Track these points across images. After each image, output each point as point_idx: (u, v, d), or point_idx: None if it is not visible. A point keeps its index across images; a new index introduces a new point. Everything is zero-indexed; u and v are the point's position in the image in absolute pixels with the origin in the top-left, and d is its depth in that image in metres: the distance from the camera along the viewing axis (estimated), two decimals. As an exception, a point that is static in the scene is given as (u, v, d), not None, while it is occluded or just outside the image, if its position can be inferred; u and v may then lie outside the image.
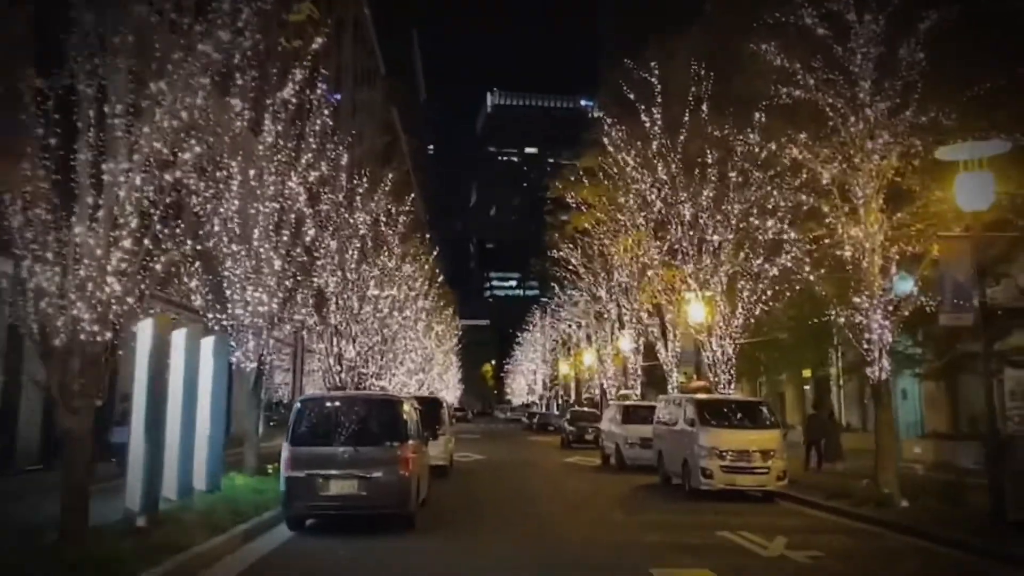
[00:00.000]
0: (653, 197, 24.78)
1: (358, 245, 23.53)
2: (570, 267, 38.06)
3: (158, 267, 8.76)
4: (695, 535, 11.31)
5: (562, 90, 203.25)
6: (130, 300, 8.66)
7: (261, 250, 14.43)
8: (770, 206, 17.23)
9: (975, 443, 23.38)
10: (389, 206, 27.14)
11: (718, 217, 21.51)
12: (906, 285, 15.00)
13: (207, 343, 12.96)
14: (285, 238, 14.89)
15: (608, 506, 14.89)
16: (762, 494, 15.81)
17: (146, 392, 10.09)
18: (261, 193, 14.40)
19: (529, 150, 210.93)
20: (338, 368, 23.46)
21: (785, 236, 16.04)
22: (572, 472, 22.53)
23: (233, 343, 14.36)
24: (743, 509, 14.37)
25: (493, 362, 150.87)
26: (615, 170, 27.79)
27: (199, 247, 13.21)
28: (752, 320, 22.42)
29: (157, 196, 9.05)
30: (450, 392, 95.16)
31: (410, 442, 11.12)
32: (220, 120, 11.76)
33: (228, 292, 14.27)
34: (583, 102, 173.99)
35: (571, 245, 36.60)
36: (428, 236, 41.90)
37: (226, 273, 14.13)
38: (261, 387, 14.73)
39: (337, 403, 11.53)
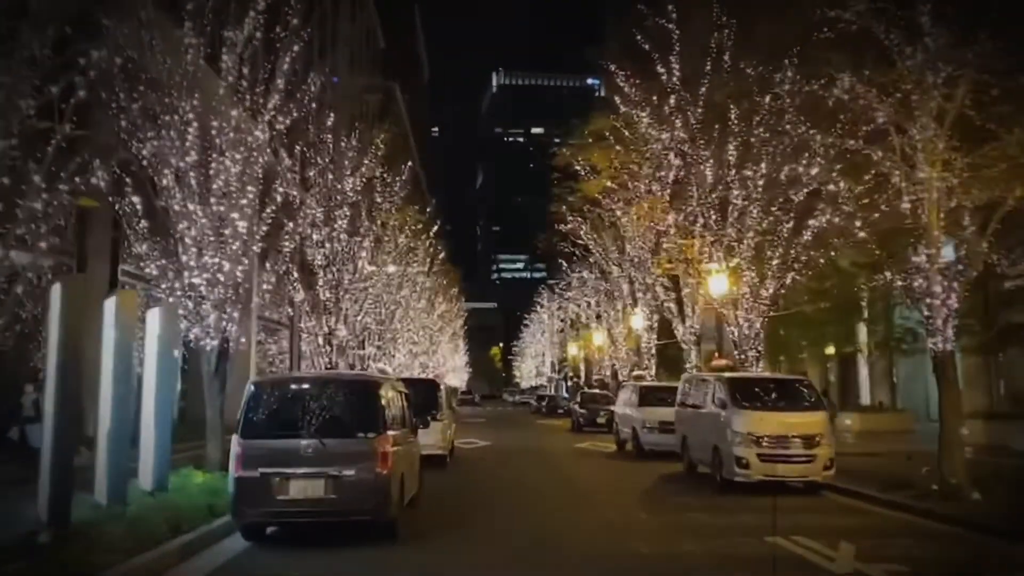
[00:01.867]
0: (671, 157, 22.58)
1: (347, 213, 21.51)
2: (579, 241, 35.90)
3: (37, 205, 6.65)
4: (740, 542, 9.25)
5: (568, 69, 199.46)
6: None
7: (222, 208, 12.35)
8: (804, 162, 15.06)
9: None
10: (384, 173, 25.08)
11: (747, 172, 19.22)
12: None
13: (152, 316, 10.95)
14: (251, 195, 12.78)
15: (630, 503, 12.84)
16: (804, 485, 13.74)
17: (55, 375, 8.06)
18: (222, 142, 12.30)
19: (536, 130, 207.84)
20: (328, 348, 21.54)
21: (831, 187, 13.83)
22: (585, 460, 20.51)
23: (191, 318, 12.32)
24: (789, 505, 12.25)
25: (501, 345, 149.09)
26: (627, 131, 25.60)
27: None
28: (783, 290, 20.30)
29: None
30: (457, 375, 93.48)
31: (390, 432, 9.04)
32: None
33: (184, 258, 12.21)
34: (589, 81, 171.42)
35: (580, 218, 34.42)
36: (429, 210, 39.71)
37: (179, 235, 12.07)
38: (224, 369, 12.67)
39: (300, 386, 9.42)
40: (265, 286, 13.19)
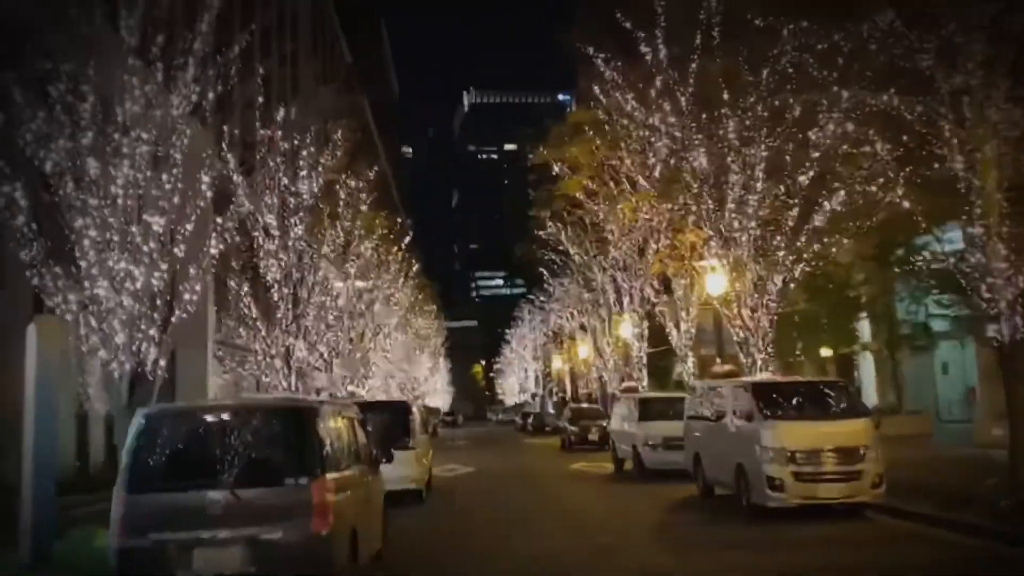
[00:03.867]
0: (659, 144, 20.41)
1: (304, 219, 19.18)
2: (560, 247, 33.69)
3: None
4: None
5: (539, 87, 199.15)
6: None
7: (129, 201, 10.01)
8: (826, 123, 12.95)
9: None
10: (347, 178, 22.81)
11: (749, 151, 17.10)
12: None
13: (30, 333, 8.59)
14: (168, 186, 10.43)
15: (648, 542, 10.51)
16: (849, 508, 11.47)
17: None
18: (125, 118, 9.98)
19: (508, 147, 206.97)
20: (286, 371, 19.14)
21: (865, 148, 11.73)
22: (582, 484, 18.18)
23: (96, 338, 9.94)
24: (842, 535, 10.08)
25: (483, 363, 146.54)
26: (608, 123, 23.51)
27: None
28: (791, 284, 18.22)
29: None
30: (439, 396, 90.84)
31: (333, 475, 6.69)
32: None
33: (83, 264, 9.85)
34: (560, 97, 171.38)
35: (560, 223, 32.22)
36: (400, 220, 37.35)
37: (76, 234, 9.72)
38: (139, 400, 10.26)
39: (208, 417, 6.95)
40: (188, 296, 10.74)
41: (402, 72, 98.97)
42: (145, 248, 10.14)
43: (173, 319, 10.62)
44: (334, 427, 7.29)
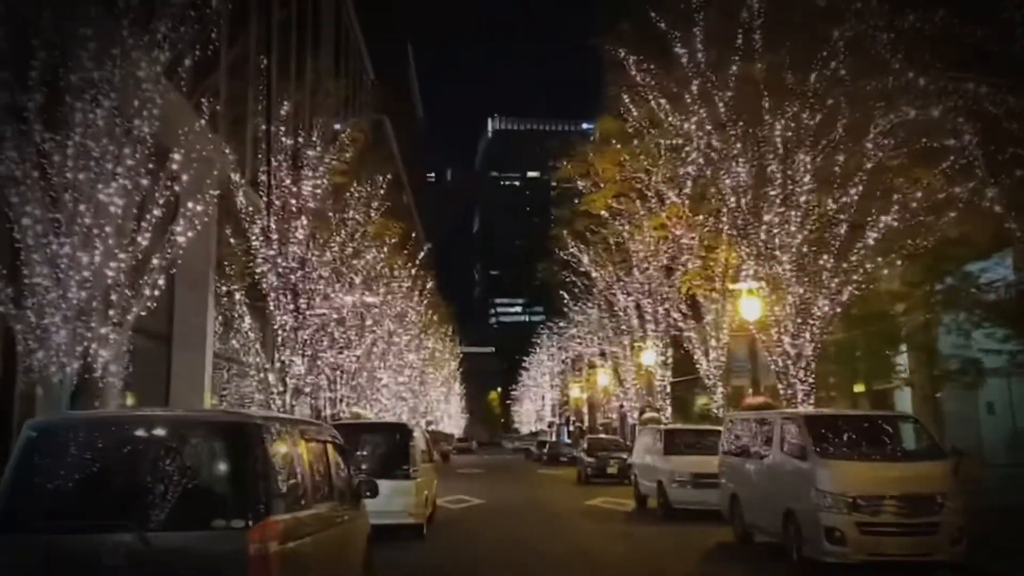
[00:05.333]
0: (694, 154, 18.80)
1: (305, 222, 17.72)
2: (581, 268, 32.01)
3: None
4: None
5: (563, 115, 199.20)
6: None
7: (80, 175, 8.51)
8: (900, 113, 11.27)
9: None
10: (359, 188, 21.35)
11: (801, 157, 15.47)
12: None
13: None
14: (131, 162, 8.93)
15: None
16: (921, 567, 9.63)
17: None
18: (76, 78, 8.51)
19: (531, 174, 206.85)
20: (280, 389, 17.58)
21: (949, 141, 10.05)
22: (602, 524, 16.35)
23: (33, 338, 8.40)
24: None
25: (499, 389, 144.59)
26: (637, 135, 22.00)
27: None
28: (838, 308, 16.58)
29: None
30: (454, 421, 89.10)
31: (283, 516, 4.99)
32: None
33: (21, 248, 8.35)
34: (584, 125, 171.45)
35: (582, 244, 30.57)
36: (414, 234, 35.89)
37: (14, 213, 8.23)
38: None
39: (120, 434, 5.18)
40: (148, 292, 9.19)
41: (427, 97, 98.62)
42: (98, 232, 8.62)
43: (130, 316, 9.06)
44: (295, 452, 5.60)
